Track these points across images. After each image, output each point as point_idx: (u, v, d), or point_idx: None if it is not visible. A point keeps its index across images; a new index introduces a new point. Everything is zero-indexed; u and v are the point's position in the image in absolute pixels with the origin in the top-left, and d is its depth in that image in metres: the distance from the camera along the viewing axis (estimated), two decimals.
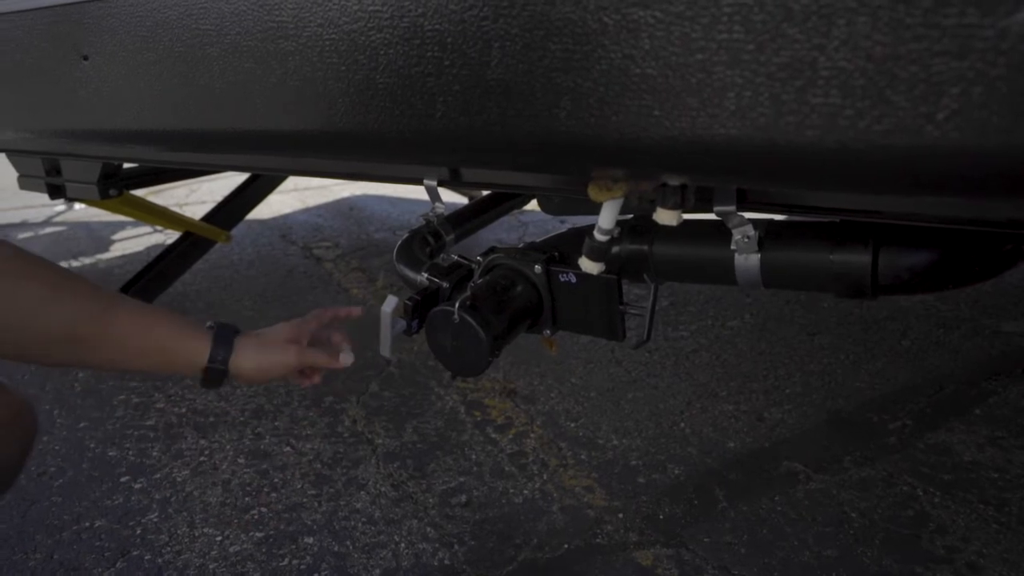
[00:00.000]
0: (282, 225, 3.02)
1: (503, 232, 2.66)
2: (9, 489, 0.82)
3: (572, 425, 1.41)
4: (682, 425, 1.40)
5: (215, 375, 0.77)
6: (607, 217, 0.74)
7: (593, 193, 0.64)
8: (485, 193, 1.53)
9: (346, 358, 0.88)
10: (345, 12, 0.64)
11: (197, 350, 0.76)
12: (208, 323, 0.80)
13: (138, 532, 1.16)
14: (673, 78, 0.50)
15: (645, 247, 0.88)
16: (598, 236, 0.76)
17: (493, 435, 1.39)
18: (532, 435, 1.39)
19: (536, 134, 0.58)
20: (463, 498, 1.21)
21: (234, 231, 2.26)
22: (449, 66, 0.60)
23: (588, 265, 0.79)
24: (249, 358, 0.79)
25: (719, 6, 0.47)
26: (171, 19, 0.79)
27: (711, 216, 0.81)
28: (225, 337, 0.78)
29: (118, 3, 0.82)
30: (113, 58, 0.86)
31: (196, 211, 2.66)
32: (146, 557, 1.11)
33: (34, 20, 0.92)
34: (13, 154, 1.76)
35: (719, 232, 0.82)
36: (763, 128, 0.48)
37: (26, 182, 1.84)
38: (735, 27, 0.47)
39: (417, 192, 3.39)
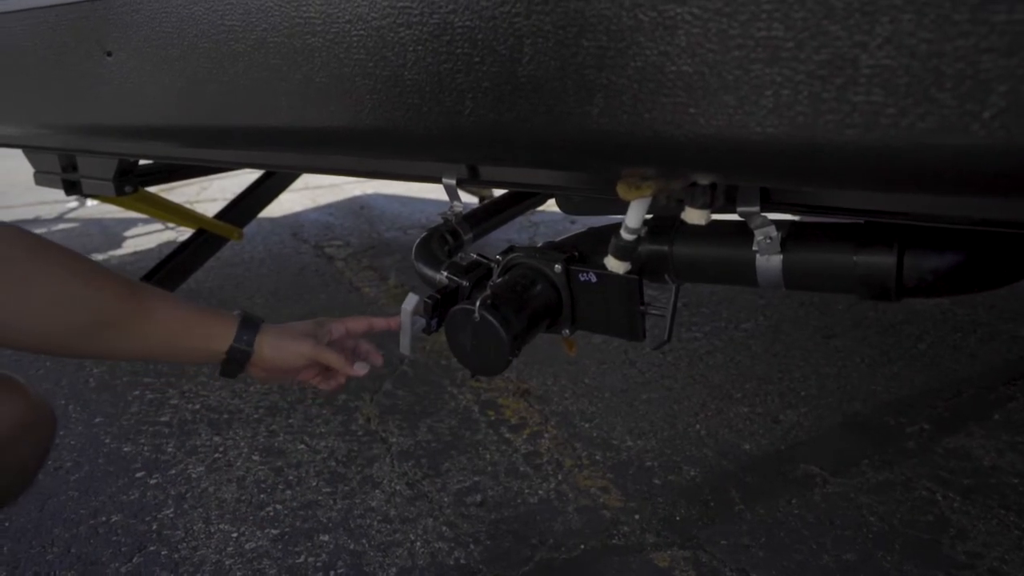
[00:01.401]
0: (293, 223, 3.03)
1: (514, 232, 2.66)
2: (29, 487, 0.82)
3: (586, 425, 1.41)
4: (697, 427, 1.39)
5: (238, 357, 0.79)
6: (635, 216, 0.73)
7: (622, 191, 0.64)
8: (497, 193, 1.53)
9: (360, 368, 0.87)
10: (374, 8, 0.64)
11: (223, 332, 0.78)
12: (235, 311, 0.81)
13: (154, 527, 1.16)
14: (710, 75, 0.50)
15: (665, 247, 0.87)
16: (625, 235, 0.76)
17: (507, 435, 1.39)
18: (546, 435, 1.38)
19: (567, 132, 0.58)
20: (478, 497, 1.21)
21: (245, 229, 2.27)
22: (479, 63, 0.60)
23: (614, 264, 0.78)
24: (269, 344, 0.80)
25: (758, 3, 0.46)
26: (197, 15, 0.79)
27: (731, 216, 0.81)
28: (251, 321, 0.80)
29: None
30: (137, 54, 0.87)
31: (207, 208, 2.67)
32: (162, 552, 1.11)
33: (59, 16, 0.92)
34: (30, 150, 1.77)
35: (740, 233, 0.82)
36: (802, 127, 0.47)
37: (42, 178, 1.85)
38: (775, 24, 0.46)
39: (428, 191, 3.39)
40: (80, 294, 0.68)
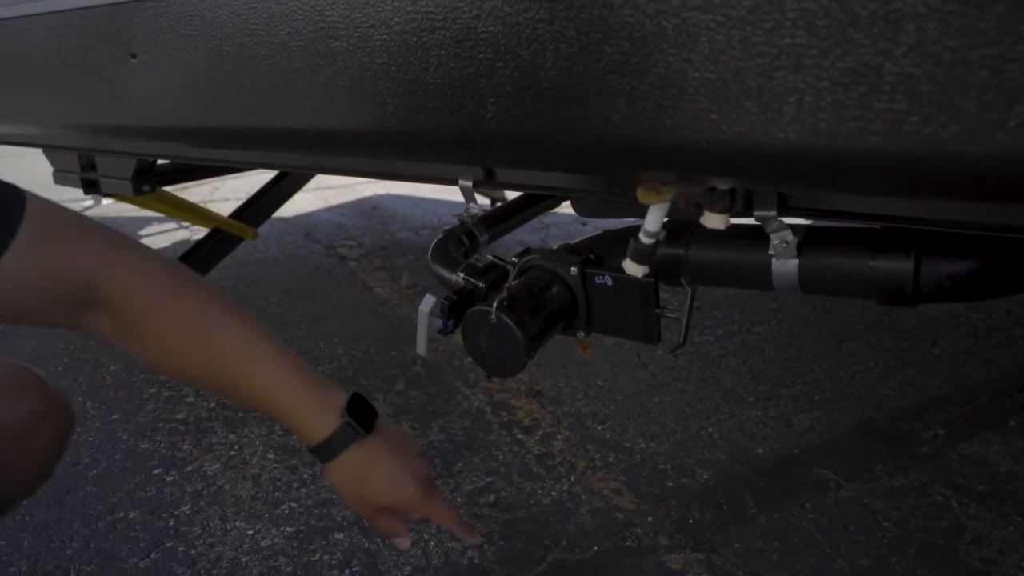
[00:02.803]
0: (306, 223, 3.05)
1: (525, 234, 2.66)
2: (46, 480, 0.83)
3: (599, 428, 1.41)
4: (710, 430, 1.39)
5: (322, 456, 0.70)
6: (654, 220, 0.74)
7: (642, 195, 0.64)
8: (511, 195, 1.54)
9: (403, 542, 0.77)
10: (398, 13, 0.65)
11: (320, 426, 0.69)
12: (342, 405, 0.71)
13: (171, 524, 1.18)
14: (732, 82, 0.50)
15: (681, 251, 0.87)
16: (644, 239, 0.76)
17: (520, 436, 1.39)
18: (559, 437, 1.39)
19: (589, 136, 0.58)
20: (491, 498, 1.22)
21: (258, 229, 2.28)
22: (502, 68, 0.60)
23: (633, 268, 0.79)
24: (361, 459, 0.70)
25: (783, 11, 0.47)
26: (221, 19, 0.80)
27: (747, 221, 0.81)
28: (350, 433, 0.70)
29: (169, 2, 0.83)
30: (161, 56, 0.88)
31: (220, 208, 2.69)
32: (180, 549, 1.12)
33: (84, 19, 0.94)
34: (50, 150, 1.80)
35: (756, 237, 0.82)
36: (824, 133, 0.48)
37: (61, 177, 1.87)
38: (799, 32, 0.47)
39: (440, 192, 3.41)
40: (202, 344, 0.68)
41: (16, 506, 0.78)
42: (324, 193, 3.61)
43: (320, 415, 0.69)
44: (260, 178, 2.79)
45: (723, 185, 0.64)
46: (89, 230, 0.66)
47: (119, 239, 0.68)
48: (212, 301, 0.69)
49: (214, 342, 0.67)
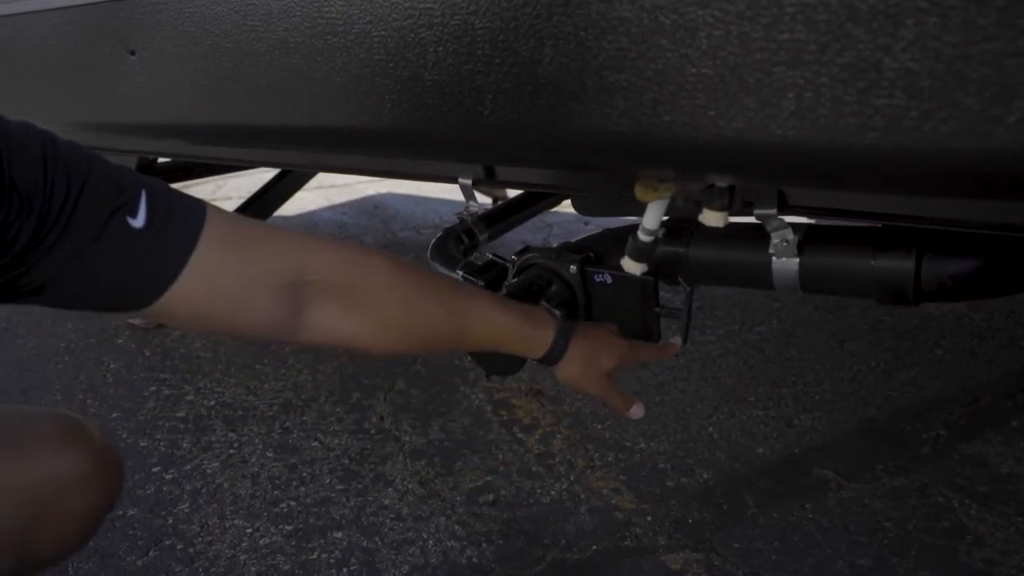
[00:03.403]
0: (308, 223, 3.05)
1: (527, 233, 2.66)
2: (82, 547, 0.76)
3: (599, 427, 1.41)
4: (710, 430, 1.39)
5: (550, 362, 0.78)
6: (652, 217, 0.74)
7: (640, 193, 0.64)
8: (512, 193, 1.53)
9: (638, 409, 0.85)
10: (396, 9, 0.65)
11: (539, 343, 0.76)
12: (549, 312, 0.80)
13: (170, 522, 1.18)
14: (730, 78, 0.50)
15: (681, 249, 0.87)
16: (642, 237, 0.76)
17: (520, 435, 1.39)
18: (559, 436, 1.38)
19: (587, 133, 0.58)
20: (491, 497, 1.21)
21: None
22: (500, 64, 0.60)
23: (631, 266, 0.79)
24: (579, 358, 0.79)
25: (781, 6, 0.47)
26: (219, 15, 0.80)
27: (747, 219, 0.80)
28: (567, 329, 0.78)
29: None
30: (160, 53, 0.88)
31: (222, 206, 2.68)
32: (178, 547, 1.12)
33: (84, 16, 0.94)
34: None
35: (756, 235, 0.82)
36: (823, 130, 0.47)
37: None
38: (797, 27, 0.46)
39: (442, 191, 3.40)
40: (424, 310, 0.71)
41: (43, 571, 0.72)
42: (326, 192, 3.61)
43: (541, 328, 0.77)
44: (262, 177, 2.79)
45: (722, 182, 0.63)
46: (274, 229, 0.66)
47: (300, 232, 0.69)
48: (409, 268, 0.71)
49: (437, 303, 0.71)
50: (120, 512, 1.20)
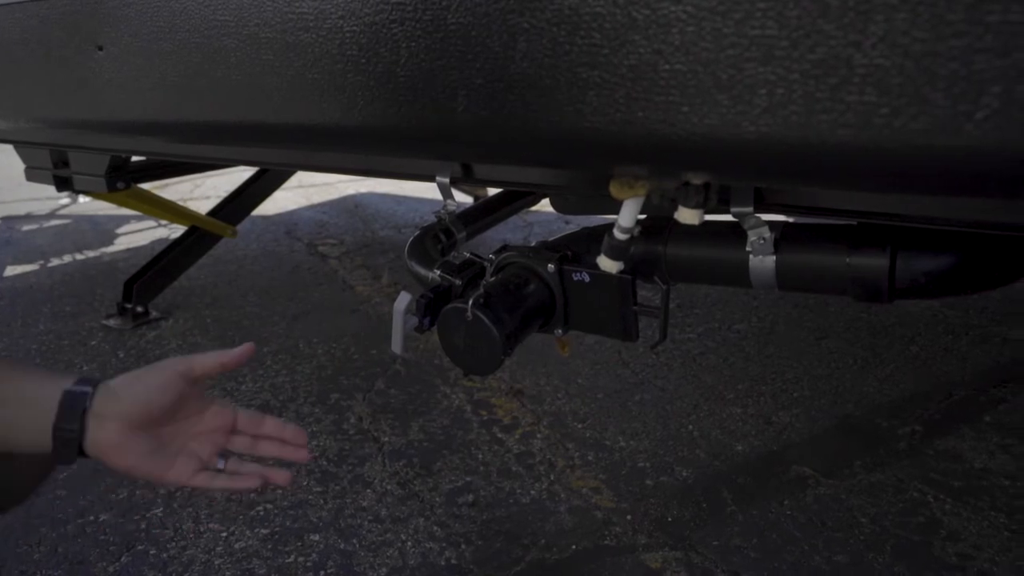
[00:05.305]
0: (287, 221, 3.02)
1: (508, 232, 2.66)
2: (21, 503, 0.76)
3: (579, 426, 1.41)
4: (690, 428, 1.39)
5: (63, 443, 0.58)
6: (628, 215, 0.73)
7: (615, 190, 0.63)
8: (492, 192, 1.53)
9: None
10: (367, 4, 0.64)
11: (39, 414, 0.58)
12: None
13: (143, 527, 1.15)
14: (703, 74, 0.49)
15: (659, 247, 0.87)
16: (618, 235, 0.75)
17: (500, 435, 1.38)
18: (539, 435, 1.38)
19: (560, 130, 0.57)
20: (470, 497, 1.21)
21: (239, 227, 2.26)
22: (472, 59, 0.59)
23: (607, 264, 0.78)
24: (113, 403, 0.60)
25: (753, 2, 0.46)
26: (189, 9, 0.78)
27: (723, 217, 0.80)
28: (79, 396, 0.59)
29: None
30: (129, 48, 0.86)
31: (200, 206, 2.65)
32: (151, 552, 1.10)
33: (50, 9, 0.92)
34: (21, 146, 1.76)
35: (734, 233, 0.82)
36: (795, 126, 0.47)
37: (33, 174, 1.83)
38: (768, 23, 0.46)
39: (422, 191, 3.39)
40: None
41: None
42: (306, 191, 3.58)
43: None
44: (241, 176, 2.75)
45: (696, 180, 0.63)
46: None
47: None
48: None
49: None
50: (91, 517, 1.18)
